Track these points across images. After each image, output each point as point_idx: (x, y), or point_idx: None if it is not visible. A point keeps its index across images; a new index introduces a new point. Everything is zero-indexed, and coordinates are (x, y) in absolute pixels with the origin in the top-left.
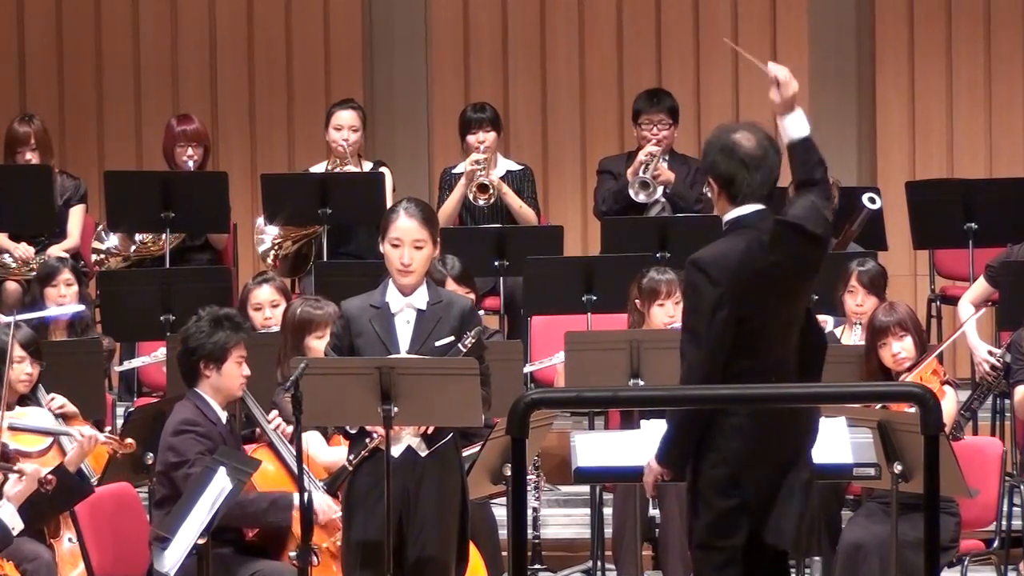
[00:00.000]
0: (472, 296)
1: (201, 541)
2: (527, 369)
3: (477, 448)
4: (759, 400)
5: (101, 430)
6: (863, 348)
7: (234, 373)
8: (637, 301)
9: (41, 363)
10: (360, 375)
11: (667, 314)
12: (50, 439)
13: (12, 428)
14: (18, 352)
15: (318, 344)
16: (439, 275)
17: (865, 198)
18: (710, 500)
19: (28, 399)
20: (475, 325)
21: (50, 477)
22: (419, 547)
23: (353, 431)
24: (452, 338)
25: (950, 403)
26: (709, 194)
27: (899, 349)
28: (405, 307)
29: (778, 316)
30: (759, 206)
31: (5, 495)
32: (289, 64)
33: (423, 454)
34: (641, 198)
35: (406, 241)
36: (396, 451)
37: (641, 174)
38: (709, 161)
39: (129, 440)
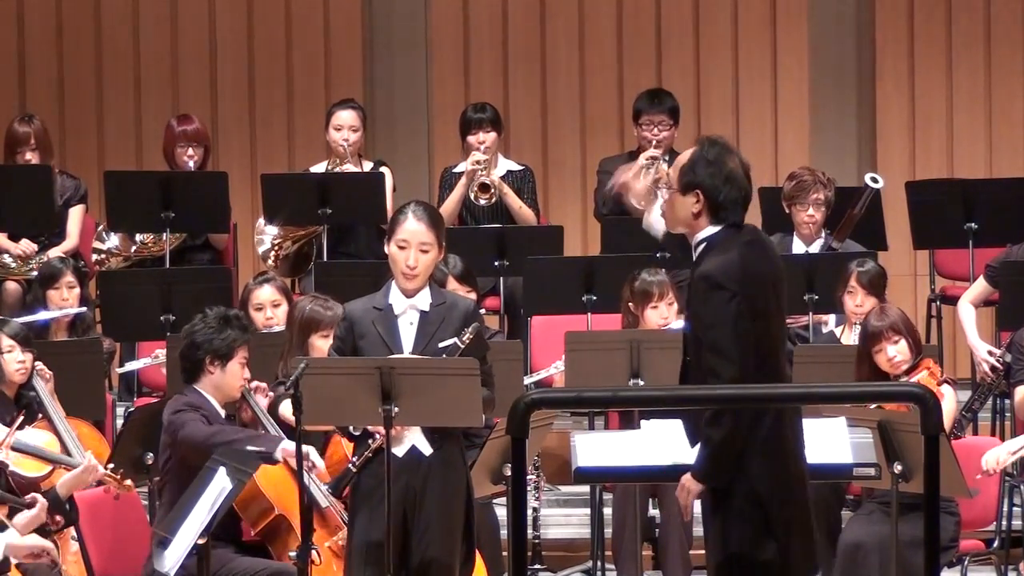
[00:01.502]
0: (474, 295)
1: (201, 541)
2: (527, 381)
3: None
4: (759, 400)
5: (102, 430)
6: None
7: (236, 373)
8: (630, 304)
9: (32, 350)
10: (360, 375)
11: (661, 316)
12: (49, 467)
13: (15, 449)
14: (7, 342)
15: (323, 344)
16: (441, 274)
17: (867, 177)
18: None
19: (29, 404)
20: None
21: (59, 519)
22: (423, 547)
23: (356, 432)
24: (455, 340)
25: (949, 403)
26: (691, 207)
27: (895, 352)
28: (408, 309)
29: (779, 324)
30: (742, 222)
31: (13, 524)
32: (289, 64)
33: (427, 453)
34: (643, 204)
35: (413, 243)
36: (400, 451)
37: (642, 179)
38: (700, 175)
39: (128, 482)
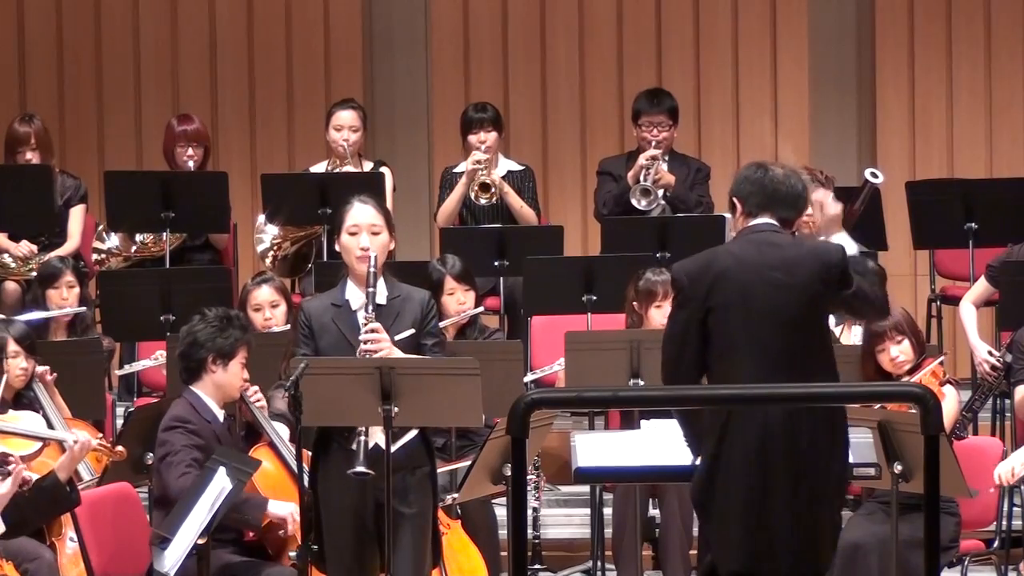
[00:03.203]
0: (472, 295)
1: (201, 541)
2: (528, 378)
3: (456, 466)
4: (759, 400)
5: (101, 430)
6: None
7: (237, 373)
8: (635, 303)
9: (36, 358)
10: (360, 375)
11: (664, 315)
12: (39, 444)
13: (2, 431)
14: (13, 347)
15: None
16: (439, 274)
17: (867, 173)
18: None
19: (30, 404)
20: (434, 316)
21: (28, 476)
22: (392, 543)
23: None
24: (413, 331)
25: (951, 403)
26: (730, 218)
27: (897, 353)
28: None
29: (751, 322)
30: (771, 220)
31: None
32: (289, 64)
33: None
34: (643, 204)
35: (363, 226)
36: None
37: (642, 180)
38: (736, 182)
39: (120, 448)
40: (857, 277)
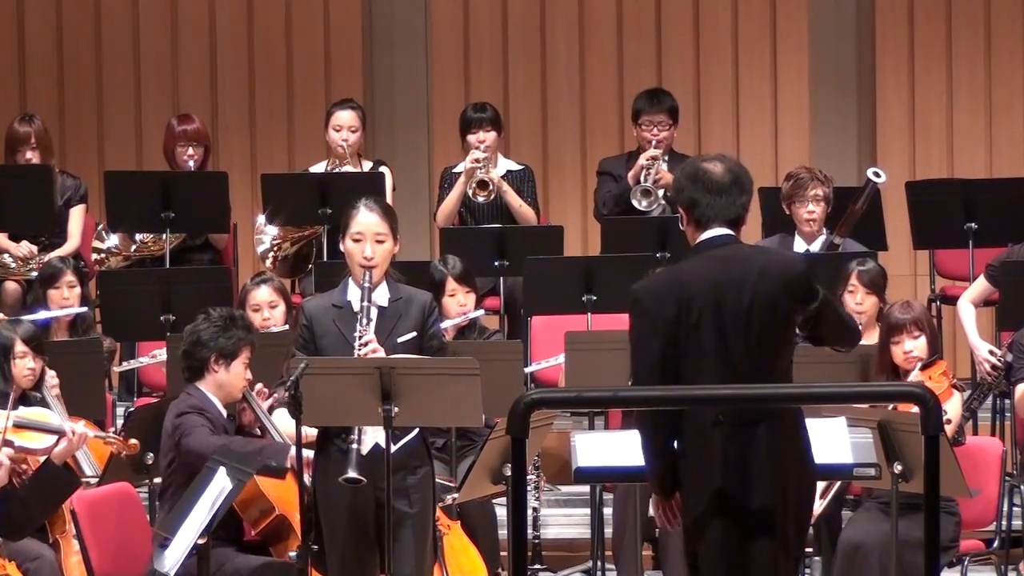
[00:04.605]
0: (473, 295)
1: (201, 541)
2: (529, 369)
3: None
4: (757, 400)
5: (103, 430)
6: (864, 348)
7: (240, 373)
8: None
9: (44, 358)
10: (360, 375)
11: None
12: (54, 437)
13: (17, 425)
14: (20, 348)
15: None
16: (440, 274)
17: (870, 172)
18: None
19: (31, 399)
20: (435, 319)
21: (24, 468)
22: (394, 543)
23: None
24: (414, 333)
25: (955, 406)
26: (682, 226)
27: (912, 347)
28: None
29: (722, 342)
30: (724, 230)
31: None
32: (289, 64)
33: (391, 450)
34: (643, 205)
35: (368, 235)
36: (364, 449)
37: (643, 181)
38: (676, 189)
39: (133, 441)
40: (824, 291)
